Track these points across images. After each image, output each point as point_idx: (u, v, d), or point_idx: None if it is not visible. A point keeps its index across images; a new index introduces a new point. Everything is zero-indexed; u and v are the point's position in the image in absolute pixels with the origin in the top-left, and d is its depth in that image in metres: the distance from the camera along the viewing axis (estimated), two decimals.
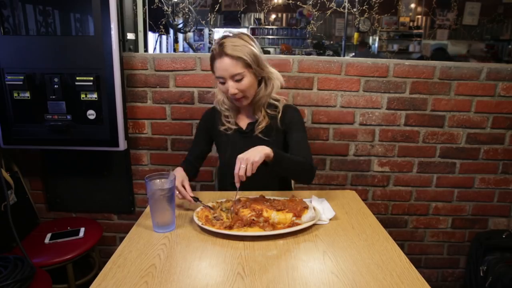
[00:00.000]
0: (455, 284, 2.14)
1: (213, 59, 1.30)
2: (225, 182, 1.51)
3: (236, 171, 1.12)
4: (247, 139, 1.41)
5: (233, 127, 1.43)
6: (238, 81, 1.28)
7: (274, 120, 1.41)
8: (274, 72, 1.39)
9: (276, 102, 1.42)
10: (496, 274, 1.77)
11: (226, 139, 1.45)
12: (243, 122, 1.45)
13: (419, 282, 0.89)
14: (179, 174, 1.31)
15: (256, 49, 1.30)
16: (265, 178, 1.32)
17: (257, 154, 1.13)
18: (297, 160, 1.29)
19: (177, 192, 1.24)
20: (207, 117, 1.52)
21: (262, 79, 1.37)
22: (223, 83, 1.30)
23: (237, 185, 1.14)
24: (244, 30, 6.93)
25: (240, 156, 1.14)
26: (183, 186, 1.26)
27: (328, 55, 4.74)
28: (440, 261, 2.10)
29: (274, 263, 0.95)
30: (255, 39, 1.34)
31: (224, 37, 1.29)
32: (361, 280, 0.89)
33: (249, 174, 1.12)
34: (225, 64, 1.26)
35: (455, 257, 2.10)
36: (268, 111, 1.41)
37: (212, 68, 1.32)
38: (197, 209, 1.21)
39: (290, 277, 0.90)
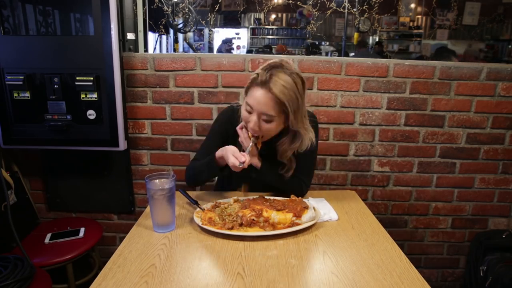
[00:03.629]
0: (455, 284, 2.15)
1: (253, 84, 1.17)
2: (224, 187, 1.50)
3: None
4: (265, 152, 1.33)
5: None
6: (265, 121, 1.18)
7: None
8: (308, 130, 1.26)
9: None
10: (496, 274, 1.77)
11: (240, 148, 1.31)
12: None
13: (419, 282, 0.89)
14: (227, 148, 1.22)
15: (301, 98, 1.17)
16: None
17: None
18: (285, 184, 1.33)
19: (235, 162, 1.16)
20: (225, 118, 1.40)
21: (289, 130, 1.25)
22: (250, 112, 1.19)
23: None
24: (244, 30, 6.95)
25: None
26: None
27: (334, 55, 4.77)
28: (440, 261, 2.10)
29: (274, 263, 0.95)
30: (306, 85, 1.21)
31: (280, 66, 1.16)
32: (361, 280, 0.89)
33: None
34: (263, 99, 1.14)
35: (455, 257, 2.10)
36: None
37: (247, 91, 1.20)
38: (197, 209, 1.21)
39: (290, 277, 0.90)
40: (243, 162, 1.16)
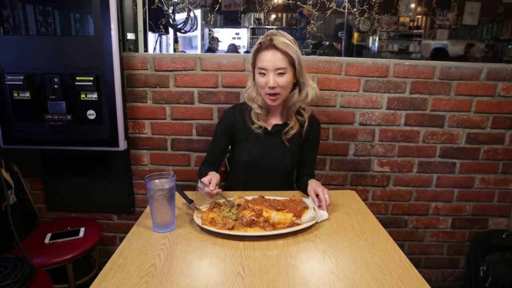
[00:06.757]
0: (455, 284, 2.14)
1: (259, 51, 1.35)
2: (239, 181, 1.53)
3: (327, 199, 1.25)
4: (272, 139, 1.47)
5: (263, 125, 1.46)
6: (280, 75, 1.33)
7: (301, 128, 1.47)
8: (310, 80, 1.44)
9: (302, 110, 1.48)
10: (496, 274, 1.77)
11: (250, 137, 1.47)
12: (269, 123, 1.49)
13: (419, 282, 0.89)
14: (212, 175, 1.28)
15: (300, 53, 1.37)
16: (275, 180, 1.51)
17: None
18: None
19: (200, 186, 1.23)
20: (229, 116, 1.52)
21: (296, 85, 1.42)
22: (264, 75, 1.34)
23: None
24: (244, 30, 6.95)
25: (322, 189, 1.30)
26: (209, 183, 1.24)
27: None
28: (440, 261, 2.10)
29: (274, 263, 0.95)
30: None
31: (274, 33, 1.35)
32: (361, 280, 0.89)
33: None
34: (273, 57, 1.32)
35: (455, 257, 2.10)
36: (298, 117, 1.48)
37: (255, 60, 1.37)
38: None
39: (290, 277, 0.90)
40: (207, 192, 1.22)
